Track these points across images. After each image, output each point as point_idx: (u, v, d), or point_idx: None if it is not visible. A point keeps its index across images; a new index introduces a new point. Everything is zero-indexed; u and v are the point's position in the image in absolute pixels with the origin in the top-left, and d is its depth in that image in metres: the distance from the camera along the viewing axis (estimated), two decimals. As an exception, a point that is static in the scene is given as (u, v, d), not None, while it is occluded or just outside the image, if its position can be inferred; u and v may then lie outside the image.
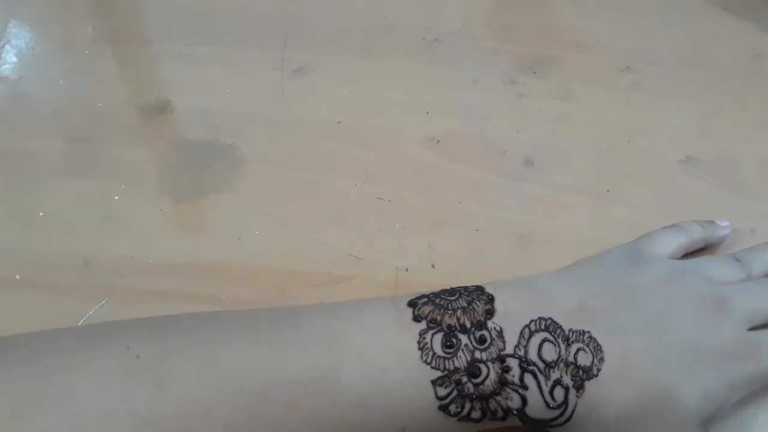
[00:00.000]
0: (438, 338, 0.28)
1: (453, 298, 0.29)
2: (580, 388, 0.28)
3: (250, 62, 0.45)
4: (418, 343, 0.27)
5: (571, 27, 0.47)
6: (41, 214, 0.39)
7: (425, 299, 0.29)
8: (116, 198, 0.39)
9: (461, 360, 0.27)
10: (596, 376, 0.28)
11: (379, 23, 0.47)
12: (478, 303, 0.29)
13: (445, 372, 0.27)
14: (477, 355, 0.27)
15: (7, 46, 0.46)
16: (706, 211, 0.38)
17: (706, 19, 0.47)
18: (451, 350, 0.27)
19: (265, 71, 0.45)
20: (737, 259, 0.34)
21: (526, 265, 0.34)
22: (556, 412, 0.28)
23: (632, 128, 0.42)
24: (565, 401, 0.28)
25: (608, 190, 0.40)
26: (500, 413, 0.28)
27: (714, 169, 0.41)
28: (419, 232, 0.38)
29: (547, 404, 0.28)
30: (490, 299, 0.29)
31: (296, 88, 0.44)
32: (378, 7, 0.48)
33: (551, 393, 0.28)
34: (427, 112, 0.43)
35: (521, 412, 0.28)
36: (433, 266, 0.37)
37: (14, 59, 0.45)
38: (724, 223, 0.37)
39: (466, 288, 0.30)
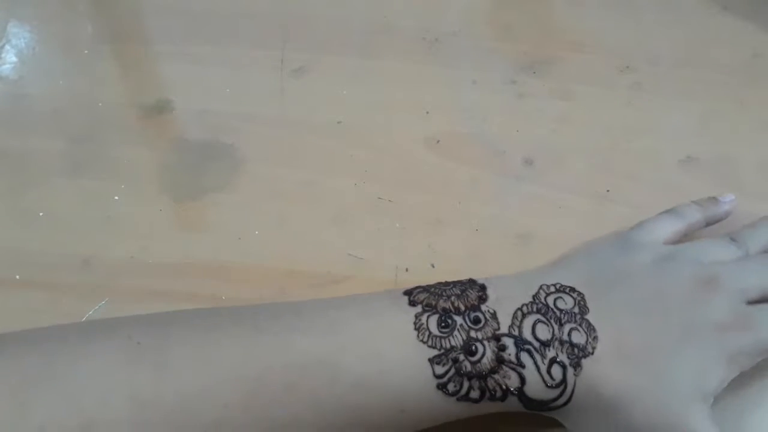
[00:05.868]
0: (434, 319, 0.29)
1: (447, 287, 0.30)
2: (577, 366, 0.28)
3: (250, 62, 0.45)
4: (414, 324, 0.28)
5: (571, 27, 0.47)
6: (41, 214, 0.39)
7: (420, 289, 0.30)
8: (116, 198, 0.39)
9: (457, 339, 0.28)
10: (592, 354, 0.29)
11: (379, 23, 0.47)
12: (471, 291, 0.30)
13: (442, 350, 0.28)
14: (472, 334, 0.28)
15: (7, 46, 0.46)
16: (706, 211, 0.38)
17: (706, 19, 0.47)
18: (447, 330, 0.28)
19: (265, 71, 0.45)
20: (732, 239, 0.34)
21: (525, 265, 0.34)
22: (556, 392, 0.28)
23: (632, 128, 0.42)
24: (564, 380, 0.28)
25: (608, 190, 0.40)
26: (499, 392, 0.28)
27: (714, 169, 0.41)
28: (419, 232, 0.38)
29: (546, 383, 0.28)
30: (483, 288, 0.30)
31: (296, 88, 0.44)
32: (378, 7, 0.48)
33: (549, 371, 0.28)
34: (427, 112, 0.43)
35: (520, 392, 0.28)
36: (433, 266, 0.37)
37: (14, 59, 0.45)
38: (728, 198, 0.36)
39: (459, 280, 0.31)
